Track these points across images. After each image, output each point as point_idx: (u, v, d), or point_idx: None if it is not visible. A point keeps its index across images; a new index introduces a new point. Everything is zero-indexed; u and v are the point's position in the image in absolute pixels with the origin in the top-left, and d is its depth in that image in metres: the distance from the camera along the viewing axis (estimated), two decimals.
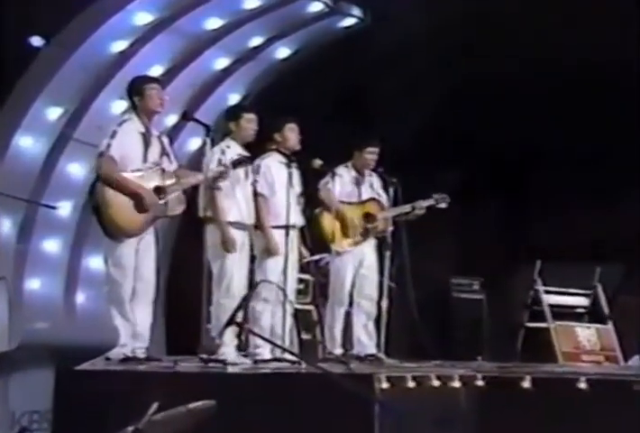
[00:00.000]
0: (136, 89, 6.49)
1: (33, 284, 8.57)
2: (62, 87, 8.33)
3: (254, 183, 6.95)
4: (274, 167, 7.07)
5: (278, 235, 6.93)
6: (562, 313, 9.02)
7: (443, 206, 8.02)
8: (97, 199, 6.28)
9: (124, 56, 8.60)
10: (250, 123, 6.88)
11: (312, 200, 7.41)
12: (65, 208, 8.64)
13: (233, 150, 6.83)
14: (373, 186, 7.89)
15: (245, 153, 6.87)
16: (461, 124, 9.32)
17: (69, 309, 8.85)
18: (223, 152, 6.76)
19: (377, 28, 9.34)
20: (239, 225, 6.78)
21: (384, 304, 7.68)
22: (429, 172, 9.19)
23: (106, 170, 6.28)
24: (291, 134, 7.12)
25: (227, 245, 6.66)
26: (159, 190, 6.36)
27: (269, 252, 6.92)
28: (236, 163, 6.65)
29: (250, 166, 6.85)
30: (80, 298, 8.99)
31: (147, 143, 6.43)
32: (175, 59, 9.00)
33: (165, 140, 6.63)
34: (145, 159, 6.40)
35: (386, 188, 7.83)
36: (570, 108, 9.07)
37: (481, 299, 9.86)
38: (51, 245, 8.75)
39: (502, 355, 8.51)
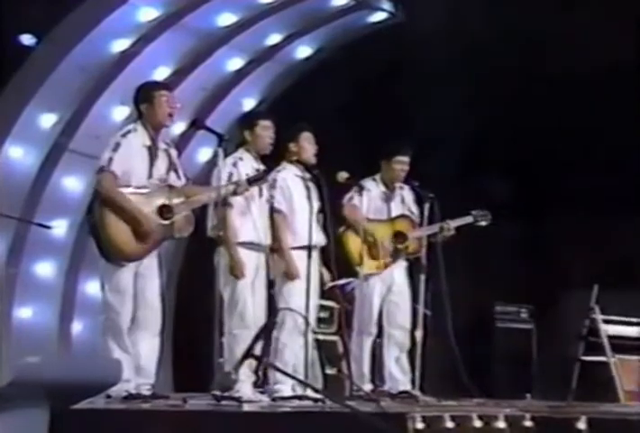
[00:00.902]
0: (144, 96, 6.51)
1: (25, 313, 8.67)
2: (57, 92, 8.44)
3: (270, 199, 7.00)
4: (291, 180, 7.11)
5: (298, 258, 6.96)
6: (624, 345, 9.01)
7: (483, 224, 8.05)
8: (95, 218, 6.33)
9: (126, 56, 8.71)
10: (266, 131, 6.92)
11: (336, 218, 7.45)
12: (60, 228, 8.73)
13: (247, 162, 6.89)
14: (404, 201, 7.93)
15: (261, 166, 6.93)
16: (497, 135, 9.38)
17: (65, 340, 8.93)
18: (234, 165, 6.81)
19: (410, 23, 9.42)
20: (253, 246, 6.83)
21: (418, 334, 7.73)
22: (469, 186, 9.25)
23: (106, 188, 6.33)
24: (307, 144, 7.15)
25: (235, 270, 6.70)
26: (165, 209, 6.41)
27: (289, 276, 6.97)
28: (252, 180, 6.69)
29: (265, 183, 6.88)
30: (77, 327, 9.07)
31: (153, 158, 6.48)
32: (183, 59, 9.11)
33: (173, 153, 6.67)
34: (150, 174, 6.45)
35: (420, 204, 7.89)
36: (606, 117, 9.10)
37: (530, 329, 9.89)
38: (45, 269, 8.84)
39: (554, 393, 8.53)
